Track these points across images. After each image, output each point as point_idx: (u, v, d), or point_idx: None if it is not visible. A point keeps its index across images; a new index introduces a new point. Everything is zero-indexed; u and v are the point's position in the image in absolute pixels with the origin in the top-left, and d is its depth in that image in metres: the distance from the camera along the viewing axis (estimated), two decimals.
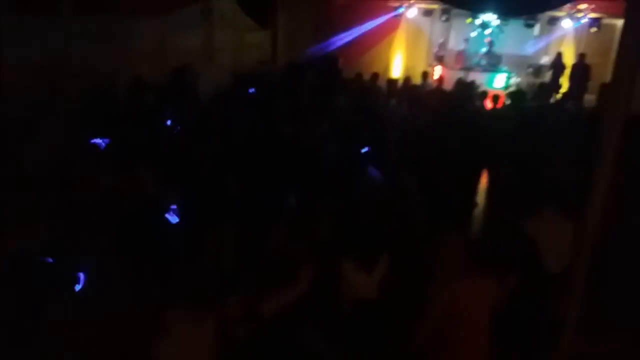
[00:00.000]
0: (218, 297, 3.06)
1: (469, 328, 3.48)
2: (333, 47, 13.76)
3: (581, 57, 12.38)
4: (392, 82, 9.85)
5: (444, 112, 7.64)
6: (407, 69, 14.64)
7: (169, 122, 7.04)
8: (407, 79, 10.23)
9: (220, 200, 5.15)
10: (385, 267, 3.99)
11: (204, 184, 5.24)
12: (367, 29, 14.45)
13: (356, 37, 14.33)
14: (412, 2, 14.31)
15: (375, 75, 10.21)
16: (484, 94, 9.31)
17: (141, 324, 3.67)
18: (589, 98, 11.64)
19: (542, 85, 11.43)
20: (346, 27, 14.05)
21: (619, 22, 3.74)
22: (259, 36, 10.55)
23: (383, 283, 3.98)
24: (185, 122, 7.08)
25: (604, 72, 10.29)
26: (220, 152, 6.15)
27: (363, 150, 5.99)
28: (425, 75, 10.73)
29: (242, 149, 6.23)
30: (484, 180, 7.21)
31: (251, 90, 8.82)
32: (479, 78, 12.15)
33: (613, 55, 4.18)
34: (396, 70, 14.98)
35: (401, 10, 14.50)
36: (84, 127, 6.07)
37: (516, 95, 9.01)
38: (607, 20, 12.31)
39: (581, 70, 12.18)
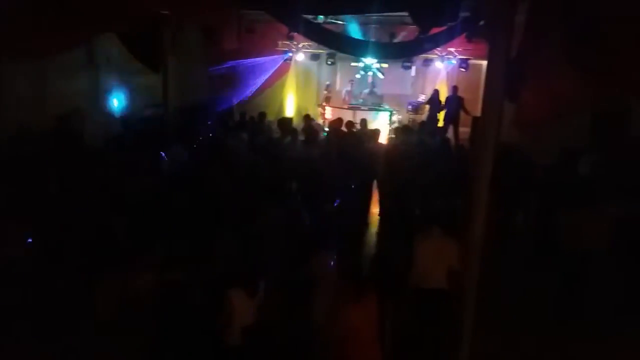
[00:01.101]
0: None
1: (360, 346, 3.66)
2: (226, 89, 13.87)
3: (454, 89, 13.37)
4: (285, 121, 10.13)
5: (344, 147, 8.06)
6: (299, 109, 15.14)
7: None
8: (307, 118, 10.63)
9: (107, 244, 5.04)
10: (262, 292, 4.17)
11: (92, 228, 5.20)
12: (259, 72, 14.79)
13: (249, 80, 14.61)
14: (299, 46, 14.88)
15: (262, 115, 10.50)
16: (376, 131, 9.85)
17: None
18: (464, 130, 12.79)
19: (423, 123, 12.43)
20: (238, 70, 14.26)
21: (484, 63, 4.24)
22: (150, 79, 10.34)
23: (264, 307, 4.16)
24: (71, 168, 6.77)
25: (474, 107, 11.35)
26: (110, 197, 6.01)
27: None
28: (307, 116, 11.15)
29: (134, 194, 6.12)
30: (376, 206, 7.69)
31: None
32: (364, 116, 12.76)
33: (481, 91, 4.68)
34: (289, 111, 15.44)
35: (290, 54, 15.03)
36: None
37: (403, 130, 9.76)
38: (474, 61, 13.62)
39: (455, 101, 13.16)
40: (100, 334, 4.59)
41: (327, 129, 11.59)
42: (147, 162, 7.25)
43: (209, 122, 10.79)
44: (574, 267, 5.66)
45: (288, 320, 4.34)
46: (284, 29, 13.42)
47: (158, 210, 5.61)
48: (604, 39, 3.96)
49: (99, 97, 10.57)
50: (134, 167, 6.99)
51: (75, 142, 8.20)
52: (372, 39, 13.32)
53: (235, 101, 14.00)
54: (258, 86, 14.82)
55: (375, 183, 8.07)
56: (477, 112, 5.41)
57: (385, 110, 14.47)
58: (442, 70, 14.84)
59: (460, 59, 13.96)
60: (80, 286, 4.97)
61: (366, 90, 15.10)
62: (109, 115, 10.75)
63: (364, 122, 10.51)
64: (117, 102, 11.09)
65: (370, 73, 15.18)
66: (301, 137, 8.76)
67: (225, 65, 13.75)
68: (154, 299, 4.23)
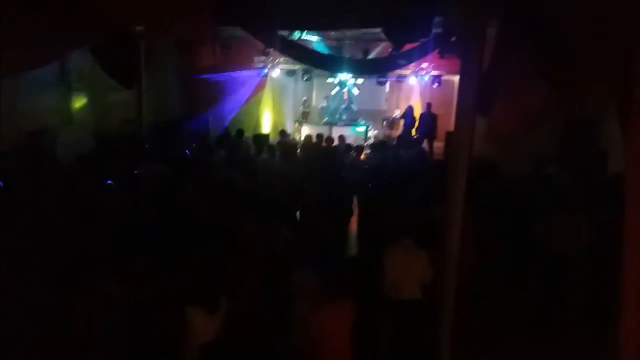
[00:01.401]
0: None
1: (331, 352, 3.68)
2: (201, 105, 13.82)
3: (428, 106, 13.68)
4: (260, 137, 10.15)
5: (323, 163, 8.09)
6: (275, 125, 15.13)
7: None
8: (282, 134, 10.66)
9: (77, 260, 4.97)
10: (225, 308, 4.11)
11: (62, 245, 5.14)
12: (235, 88, 14.79)
13: (225, 96, 14.59)
14: (275, 62, 14.91)
15: (240, 132, 10.49)
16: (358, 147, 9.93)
17: None
18: (438, 145, 12.98)
19: (399, 137, 12.59)
20: (214, 86, 14.23)
21: (457, 78, 4.35)
22: (123, 95, 10.24)
23: (226, 323, 4.08)
24: (43, 186, 6.65)
25: (448, 122, 11.54)
26: (85, 216, 5.93)
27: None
28: (283, 132, 11.22)
29: (107, 211, 6.05)
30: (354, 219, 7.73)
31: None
32: (341, 132, 12.86)
33: (454, 106, 4.78)
34: (265, 127, 15.44)
35: (265, 70, 15.06)
36: None
37: (379, 146, 9.89)
38: (446, 77, 13.86)
39: (429, 118, 13.45)
40: (68, 350, 4.46)
41: (304, 145, 11.62)
42: (121, 179, 7.15)
43: (184, 139, 10.72)
44: (552, 274, 5.76)
45: (263, 336, 4.29)
46: (260, 44, 13.45)
47: (131, 228, 5.54)
48: (573, 51, 4.08)
49: (71, 114, 10.42)
50: (107, 184, 6.89)
51: (46, 159, 8.05)
52: (347, 55, 13.47)
53: (210, 117, 13.93)
54: (234, 102, 14.80)
55: (355, 199, 8.07)
56: (451, 126, 5.53)
57: (360, 125, 14.60)
58: (415, 86, 15.04)
59: (434, 75, 14.16)
60: (49, 302, 4.85)
61: (342, 106, 15.21)
62: (81, 132, 10.59)
63: (342, 138, 10.60)
64: (90, 119, 10.95)
65: (345, 89, 15.32)
66: (277, 153, 8.77)
67: (200, 82, 13.71)
68: (120, 315, 4.14)
